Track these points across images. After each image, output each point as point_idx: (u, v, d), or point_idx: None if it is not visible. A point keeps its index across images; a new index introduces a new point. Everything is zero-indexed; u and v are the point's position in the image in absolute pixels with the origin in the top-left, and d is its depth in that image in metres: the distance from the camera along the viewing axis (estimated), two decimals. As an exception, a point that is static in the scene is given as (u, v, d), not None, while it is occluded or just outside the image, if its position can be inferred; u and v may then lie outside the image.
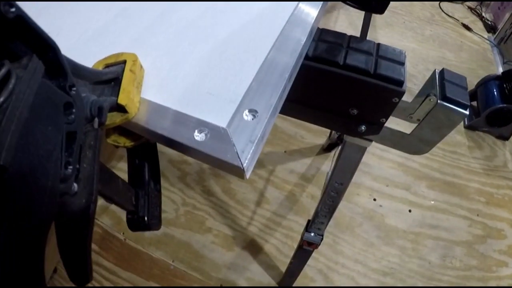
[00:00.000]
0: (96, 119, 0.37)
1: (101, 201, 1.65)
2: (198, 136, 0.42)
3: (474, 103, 2.18)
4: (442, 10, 3.17)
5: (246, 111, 0.45)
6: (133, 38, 0.54)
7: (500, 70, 2.56)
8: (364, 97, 0.69)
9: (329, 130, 1.88)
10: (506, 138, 2.18)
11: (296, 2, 0.66)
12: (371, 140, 0.81)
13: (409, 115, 0.82)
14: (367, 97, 0.69)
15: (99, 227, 1.60)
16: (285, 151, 1.92)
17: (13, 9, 0.25)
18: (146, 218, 0.53)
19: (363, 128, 0.75)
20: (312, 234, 1.18)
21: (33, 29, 0.28)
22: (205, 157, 0.41)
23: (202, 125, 0.43)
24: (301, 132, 2.00)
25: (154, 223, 0.55)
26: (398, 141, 0.82)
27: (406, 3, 3.17)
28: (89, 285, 1.44)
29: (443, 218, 1.76)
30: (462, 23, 3.05)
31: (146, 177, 0.55)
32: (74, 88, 0.33)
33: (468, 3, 3.30)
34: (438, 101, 0.71)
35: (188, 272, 1.51)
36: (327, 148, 1.93)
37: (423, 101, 0.77)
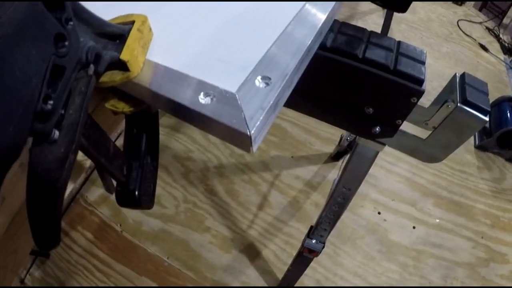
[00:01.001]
0: (92, 66, 0.34)
1: (101, 191, 1.64)
2: (204, 100, 0.38)
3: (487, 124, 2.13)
4: (460, 29, 3.15)
5: (259, 78, 0.41)
6: (143, 7, 0.51)
7: (513, 92, 2.53)
8: (381, 95, 0.66)
9: (338, 139, 1.86)
10: (517, 161, 2.14)
11: None
12: (384, 144, 0.77)
13: (424, 122, 0.79)
14: (385, 94, 0.66)
15: (97, 216, 1.59)
16: (292, 156, 1.89)
17: None
18: (136, 193, 0.49)
19: (377, 129, 0.72)
20: (314, 241, 1.15)
21: None
22: (209, 122, 0.37)
23: (208, 88, 0.39)
24: (310, 139, 1.98)
25: (145, 199, 0.51)
26: (412, 147, 0.78)
27: (425, 19, 3.15)
28: (80, 274, 1.43)
29: (447, 237, 1.73)
30: (479, 43, 3.02)
31: (143, 148, 0.51)
32: (71, 23, 0.30)
33: (486, 24, 3.28)
34: (458, 104, 0.68)
35: (183, 271, 1.48)
36: (335, 156, 1.90)
37: (440, 107, 0.74)
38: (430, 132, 0.77)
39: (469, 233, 1.76)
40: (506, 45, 3.06)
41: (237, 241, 1.58)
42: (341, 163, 1.84)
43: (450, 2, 3.47)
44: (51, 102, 0.28)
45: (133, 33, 0.40)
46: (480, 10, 3.42)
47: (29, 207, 0.31)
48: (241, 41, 0.47)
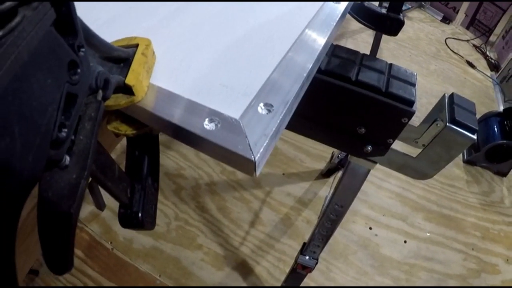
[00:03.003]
0: (100, 91, 0.34)
1: (92, 207, 1.62)
2: (208, 126, 0.39)
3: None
4: (448, 47, 3.21)
5: (261, 105, 0.42)
6: (146, 28, 0.52)
7: (501, 108, 2.57)
8: (374, 116, 0.68)
9: (329, 156, 1.87)
10: (504, 174, 2.18)
11: (316, 10, 0.65)
12: (375, 162, 0.79)
13: (414, 140, 0.81)
14: (377, 115, 0.68)
15: (87, 234, 1.56)
16: (283, 174, 1.90)
17: None
18: (140, 215, 0.49)
19: (369, 148, 0.73)
20: (307, 257, 1.16)
21: None
22: (214, 148, 0.38)
23: (213, 114, 0.40)
24: (301, 156, 1.99)
25: (148, 221, 0.51)
26: (403, 164, 0.80)
27: (414, 37, 3.21)
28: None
29: (438, 250, 1.74)
30: (466, 60, 3.09)
31: (145, 171, 0.52)
32: (83, 49, 0.31)
33: (474, 41, 3.34)
34: (447, 124, 0.70)
35: (175, 289, 1.47)
36: (326, 173, 1.91)
37: (430, 125, 0.76)
38: (420, 149, 0.78)
39: (459, 246, 1.78)
40: (493, 61, 3.13)
41: (230, 259, 1.57)
42: (332, 180, 1.86)
43: (438, 21, 3.55)
44: (65, 130, 0.29)
45: (138, 57, 0.41)
46: (467, 28, 3.49)
47: (41, 233, 0.31)
48: (243, 65, 0.49)
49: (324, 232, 1.05)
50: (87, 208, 1.64)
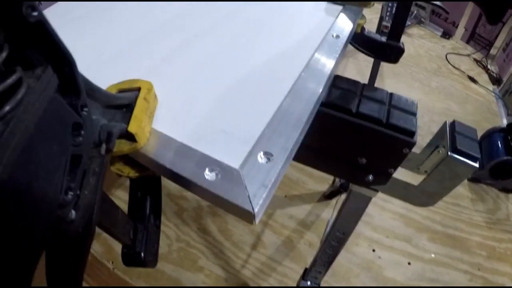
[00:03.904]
0: (104, 145, 0.35)
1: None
2: (209, 175, 0.40)
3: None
4: (449, 62, 3.19)
5: (261, 153, 0.43)
6: (149, 67, 0.53)
7: (505, 122, 2.56)
8: (374, 146, 0.68)
9: (331, 178, 1.86)
10: (510, 191, 2.14)
11: (314, 48, 0.65)
12: (377, 190, 0.79)
13: (416, 167, 0.81)
14: (378, 146, 0.67)
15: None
16: (285, 196, 1.89)
17: (35, 13, 0.23)
18: (142, 254, 0.50)
19: (370, 177, 0.73)
20: (309, 283, 1.15)
21: (53, 38, 0.26)
22: (214, 198, 0.39)
23: (213, 164, 0.41)
24: (303, 178, 1.98)
25: (150, 260, 0.52)
26: (405, 193, 0.80)
27: (414, 54, 3.21)
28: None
29: (443, 272, 1.71)
30: (468, 75, 3.06)
31: (147, 211, 0.53)
32: (86, 109, 0.31)
33: (474, 55, 3.32)
34: (449, 153, 0.70)
35: (175, 311, 1.45)
36: (329, 195, 1.90)
37: (431, 152, 0.76)
38: (422, 176, 0.78)
39: (465, 266, 1.74)
40: (495, 75, 3.09)
41: (231, 281, 1.55)
42: (335, 203, 1.84)
43: (438, 36, 3.54)
44: (71, 193, 0.29)
45: (140, 102, 0.42)
46: (467, 42, 3.47)
47: (49, 283, 0.32)
48: (243, 109, 0.49)
49: (326, 259, 1.04)
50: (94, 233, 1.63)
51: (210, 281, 1.54)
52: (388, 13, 2.27)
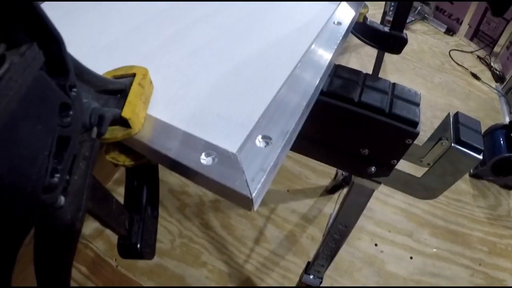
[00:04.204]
0: (95, 129, 0.34)
1: (96, 224, 1.61)
2: (205, 160, 0.38)
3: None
4: (452, 59, 3.19)
5: (259, 137, 0.41)
6: (145, 54, 0.52)
7: (507, 119, 2.55)
8: (377, 137, 0.67)
9: (334, 172, 1.86)
10: (511, 188, 2.15)
11: (315, 35, 0.64)
12: (379, 182, 0.78)
13: (419, 159, 0.80)
14: (380, 137, 0.67)
15: (91, 250, 1.56)
16: (288, 190, 1.88)
17: None
18: (139, 246, 0.49)
19: (372, 169, 0.72)
20: (311, 276, 1.14)
21: (39, 15, 0.25)
22: (211, 183, 0.37)
23: (210, 148, 0.39)
24: (305, 172, 1.98)
25: (147, 251, 0.51)
26: (408, 185, 0.79)
27: (417, 50, 3.20)
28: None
29: (444, 266, 1.72)
30: (471, 72, 3.06)
31: (144, 201, 0.51)
32: (75, 89, 0.30)
33: (478, 53, 3.32)
34: (452, 144, 0.69)
35: (179, 307, 1.45)
36: (331, 190, 1.90)
37: (434, 144, 0.75)
38: (424, 168, 0.77)
39: (466, 261, 1.75)
40: (498, 73, 3.09)
41: (234, 276, 1.55)
42: (337, 197, 1.84)
43: (442, 33, 3.53)
44: (58, 175, 0.28)
45: (134, 88, 0.40)
46: (471, 39, 3.46)
47: (37, 270, 0.31)
48: (241, 94, 0.48)
49: (328, 252, 1.04)
50: (92, 225, 1.63)
51: (213, 276, 1.54)
52: (391, 8, 2.26)
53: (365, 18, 0.78)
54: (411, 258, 1.72)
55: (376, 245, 1.74)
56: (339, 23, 0.68)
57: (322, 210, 1.82)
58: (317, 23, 0.67)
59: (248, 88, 0.49)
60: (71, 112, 0.29)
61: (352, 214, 0.90)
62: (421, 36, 3.43)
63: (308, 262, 1.14)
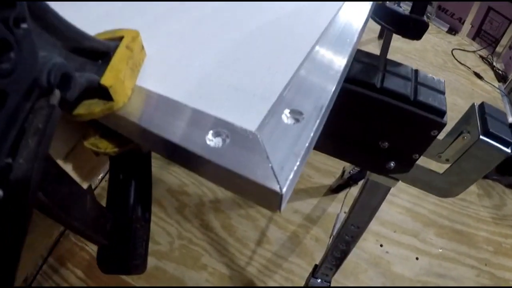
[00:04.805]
0: (57, 91, 0.24)
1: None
2: (213, 141, 0.28)
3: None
4: (455, 58, 3.18)
5: (287, 112, 0.31)
6: (139, 25, 0.42)
7: (510, 119, 2.52)
8: (399, 128, 0.60)
9: (337, 171, 1.82)
10: (516, 187, 2.14)
11: (337, 8, 0.55)
12: (397, 179, 0.72)
13: (438, 154, 0.74)
14: (403, 127, 0.60)
15: (87, 253, 1.50)
16: (290, 190, 1.83)
17: None
18: (125, 257, 0.38)
19: (392, 164, 0.66)
20: (319, 280, 1.08)
21: None
22: (222, 173, 0.27)
23: (220, 125, 0.29)
24: (308, 171, 1.93)
25: (136, 264, 0.40)
26: (428, 182, 0.73)
27: (420, 48, 3.18)
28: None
29: (450, 267, 1.70)
30: (473, 71, 3.05)
31: (132, 199, 0.40)
32: (24, 25, 0.21)
33: (480, 52, 3.32)
34: (480, 136, 0.63)
35: (179, 311, 1.40)
36: (335, 189, 1.84)
37: (455, 139, 0.70)
38: (442, 164, 0.72)
39: (472, 261, 1.73)
40: (500, 72, 3.10)
41: (236, 279, 1.50)
42: (344, 197, 1.79)
43: (444, 32, 3.53)
44: None
45: (120, 50, 0.31)
46: (473, 39, 3.46)
47: None
48: (258, 63, 0.38)
49: (338, 255, 0.98)
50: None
51: (214, 279, 1.49)
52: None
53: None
54: (417, 258, 1.70)
55: (381, 245, 1.71)
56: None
57: (326, 210, 1.78)
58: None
59: (268, 56, 0.39)
60: (12, 55, 0.20)
61: (365, 214, 0.85)
62: (424, 35, 3.40)
63: (316, 265, 1.08)
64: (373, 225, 1.76)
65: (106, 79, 0.29)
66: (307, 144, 0.29)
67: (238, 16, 0.47)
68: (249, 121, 0.30)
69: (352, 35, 0.46)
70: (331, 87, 0.35)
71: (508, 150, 0.63)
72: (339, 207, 1.73)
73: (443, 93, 0.61)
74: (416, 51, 3.16)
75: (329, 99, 0.33)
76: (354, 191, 1.76)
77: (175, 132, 0.29)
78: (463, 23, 3.49)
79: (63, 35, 0.27)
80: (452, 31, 3.54)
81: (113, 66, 0.29)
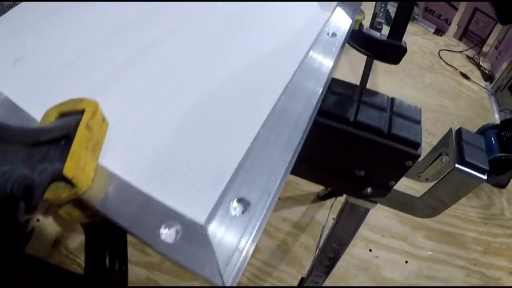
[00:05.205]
0: (22, 203, 0.25)
1: (83, 238, 1.54)
2: (166, 235, 0.30)
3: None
4: (442, 59, 3.19)
5: (234, 202, 0.32)
6: (102, 80, 0.42)
7: (497, 117, 2.58)
8: (374, 158, 0.61)
9: (325, 179, 1.81)
10: (503, 186, 2.16)
11: (306, 49, 0.54)
12: (375, 202, 0.73)
13: (417, 174, 0.75)
14: (378, 158, 0.61)
15: (79, 265, 1.48)
16: (279, 198, 1.82)
17: None
18: None
19: (369, 190, 0.67)
20: (309, 289, 1.09)
21: None
22: (176, 263, 0.30)
23: (171, 216, 0.31)
24: (296, 179, 1.89)
25: None
26: (406, 205, 0.74)
27: (407, 51, 3.18)
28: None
29: (440, 268, 1.71)
30: (460, 71, 3.07)
31: (107, 262, 0.41)
32: None
33: (467, 52, 3.34)
34: (456, 165, 0.64)
35: (171, 324, 1.40)
36: (323, 196, 1.85)
37: (434, 160, 0.70)
38: (422, 183, 0.73)
39: (461, 262, 1.75)
40: (487, 72, 3.12)
41: (226, 289, 1.50)
42: (330, 204, 1.81)
43: (431, 33, 3.54)
44: None
45: (80, 132, 0.32)
46: (460, 39, 3.48)
47: None
48: (214, 134, 0.38)
49: (322, 269, 0.99)
50: (78, 238, 1.55)
51: (206, 290, 1.49)
52: (381, 9, 2.21)
53: (361, 25, 0.72)
54: (406, 262, 1.71)
55: (370, 250, 1.72)
56: (334, 34, 0.59)
57: (314, 217, 1.78)
58: (309, 35, 0.57)
59: (224, 126, 0.40)
60: None
61: (346, 234, 0.86)
62: (411, 36, 3.43)
63: (302, 278, 1.09)
64: (362, 231, 1.76)
65: (68, 170, 0.30)
66: (251, 237, 0.31)
67: (201, 70, 0.47)
68: (200, 209, 0.31)
69: (305, 113, 0.45)
70: (280, 170, 0.36)
71: (484, 177, 0.64)
72: (327, 214, 1.73)
73: (418, 122, 0.62)
74: (403, 53, 3.15)
75: (277, 185, 0.35)
76: (341, 197, 1.77)
77: (132, 221, 0.31)
78: (449, 24, 3.50)
79: (22, 140, 0.28)
80: (439, 32, 3.55)
81: (73, 153, 0.30)
